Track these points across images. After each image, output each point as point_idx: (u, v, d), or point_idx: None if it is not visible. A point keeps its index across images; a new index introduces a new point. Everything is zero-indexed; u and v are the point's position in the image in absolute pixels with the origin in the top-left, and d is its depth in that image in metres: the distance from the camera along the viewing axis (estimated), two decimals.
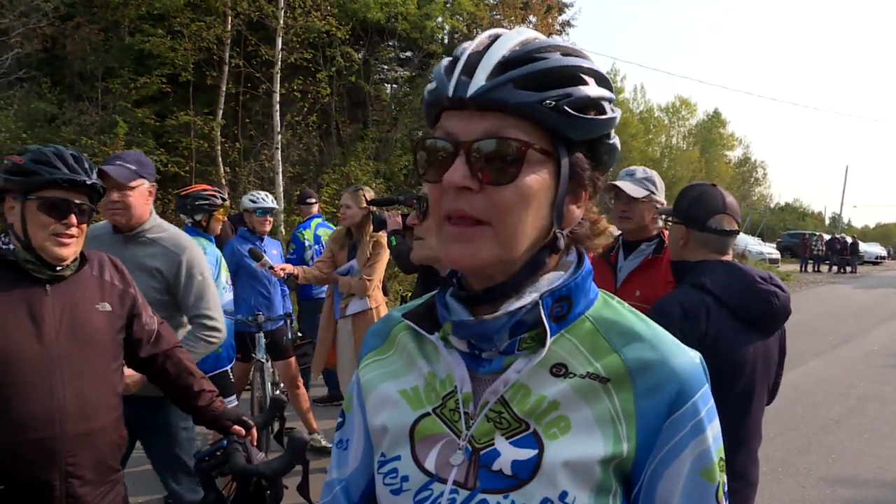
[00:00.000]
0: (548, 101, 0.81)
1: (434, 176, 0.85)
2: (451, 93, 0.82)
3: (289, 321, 5.05)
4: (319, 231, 6.78)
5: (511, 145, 0.81)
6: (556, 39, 0.88)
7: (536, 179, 0.83)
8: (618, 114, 0.89)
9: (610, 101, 0.88)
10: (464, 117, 0.83)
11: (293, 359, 5.22)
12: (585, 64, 0.86)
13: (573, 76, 0.84)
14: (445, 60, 0.88)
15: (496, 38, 0.86)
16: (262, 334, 4.91)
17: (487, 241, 0.83)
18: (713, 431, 0.87)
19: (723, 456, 0.89)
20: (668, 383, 0.84)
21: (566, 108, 0.82)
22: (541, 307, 0.86)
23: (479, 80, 0.81)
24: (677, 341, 0.90)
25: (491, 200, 0.82)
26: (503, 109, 0.81)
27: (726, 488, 0.89)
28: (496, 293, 0.88)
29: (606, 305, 0.93)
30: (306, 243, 6.58)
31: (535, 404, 0.86)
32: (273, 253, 5.24)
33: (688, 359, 0.87)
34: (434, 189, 0.86)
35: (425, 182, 0.88)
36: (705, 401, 0.86)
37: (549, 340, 0.86)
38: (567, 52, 0.86)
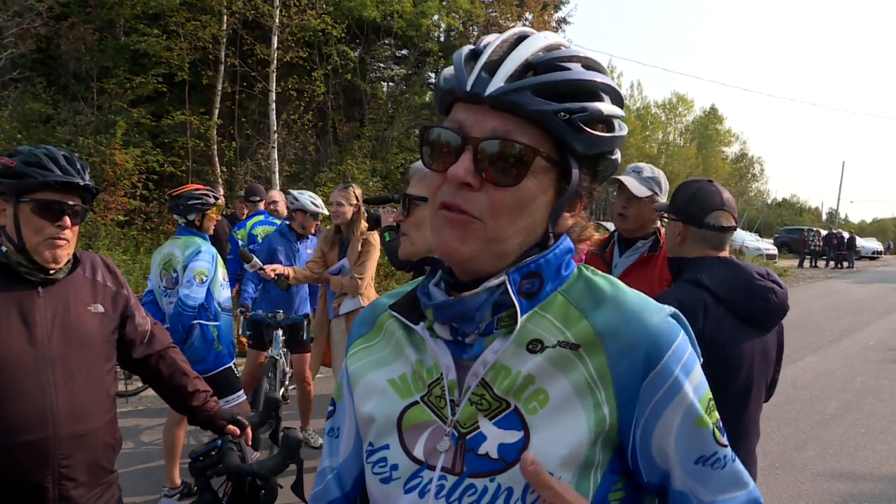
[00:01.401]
0: (562, 114, 0.82)
1: (439, 165, 0.87)
2: (469, 87, 0.83)
3: (306, 322, 5.11)
4: (257, 230, 6.77)
5: (519, 149, 0.82)
6: (580, 49, 0.88)
7: (537, 185, 0.85)
8: (625, 131, 0.90)
9: (621, 118, 0.89)
10: (476, 112, 0.84)
11: (308, 355, 5.31)
12: (604, 80, 0.87)
13: (591, 91, 0.86)
14: (466, 50, 0.88)
15: (523, 38, 0.87)
16: (279, 331, 5.00)
17: (475, 235, 0.84)
18: (692, 384, 0.86)
19: (710, 396, 0.89)
20: (639, 344, 0.84)
21: (579, 122, 0.84)
22: (508, 283, 0.87)
23: (499, 80, 0.82)
24: (646, 298, 0.90)
25: (489, 200, 0.83)
26: (517, 112, 0.83)
27: (720, 424, 0.90)
28: (482, 282, 0.89)
29: (579, 278, 0.94)
30: (240, 243, 6.54)
31: (511, 381, 0.86)
32: (308, 252, 5.30)
33: (657, 316, 0.87)
34: (436, 177, 0.87)
35: (430, 169, 0.89)
36: (681, 351, 0.86)
37: (520, 317, 0.87)
38: (589, 65, 0.87)
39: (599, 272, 0.96)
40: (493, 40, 0.87)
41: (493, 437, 0.85)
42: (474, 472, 0.85)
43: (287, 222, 5.43)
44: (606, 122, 0.87)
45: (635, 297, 0.89)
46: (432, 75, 19.91)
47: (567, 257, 0.94)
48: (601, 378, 0.84)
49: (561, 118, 0.82)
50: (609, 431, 0.84)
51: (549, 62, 0.84)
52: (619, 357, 0.84)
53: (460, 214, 0.84)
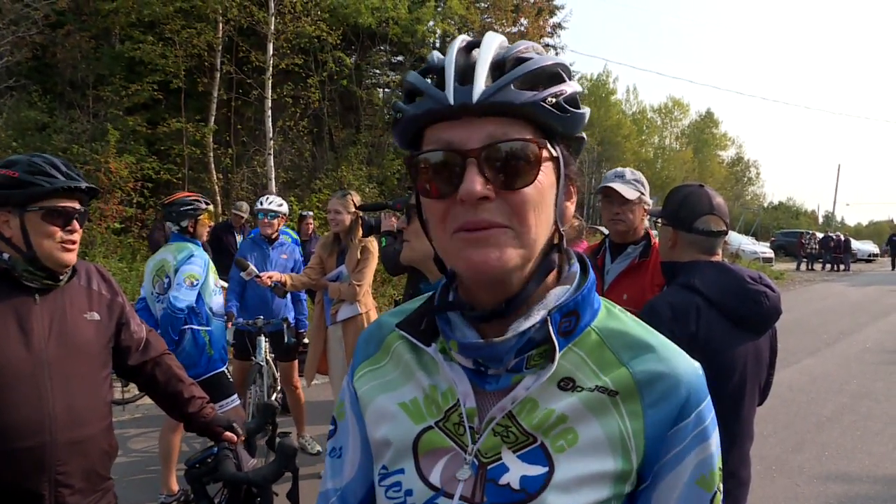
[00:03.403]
0: (549, 99, 0.81)
1: (440, 192, 0.82)
2: (452, 101, 0.79)
3: (286, 325, 5.08)
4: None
5: (528, 147, 0.80)
6: (523, 41, 0.87)
7: (546, 179, 0.83)
8: (588, 109, 0.89)
9: (581, 94, 0.89)
10: (461, 126, 0.80)
11: (296, 362, 5.36)
12: (559, 60, 0.86)
13: (557, 74, 0.84)
14: (416, 73, 0.86)
15: (473, 44, 0.85)
16: (262, 337, 5.01)
17: (512, 242, 0.81)
18: (715, 441, 0.87)
19: (721, 465, 0.89)
20: (675, 394, 0.84)
21: (564, 104, 0.83)
22: (549, 324, 0.85)
23: (480, 85, 0.79)
24: (682, 351, 0.90)
25: (509, 205, 0.80)
26: (505, 112, 0.80)
27: (722, 497, 0.89)
28: (512, 307, 0.86)
29: (610, 315, 0.93)
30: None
31: (543, 418, 0.85)
32: (282, 258, 5.33)
33: (693, 370, 0.88)
34: (438, 205, 0.83)
35: (429, 200, 0.84)
36: (708, 411, 0.87)
37: (557, 356, 0.85)
38: (539, 50, 0.86)
39: (626, 311, 0.95)
40: (445, 56, 0.84)
41: (516, 469, 0.84)
42: (495, 503, 0.84)
43: (258, 230, 5.50)
44: (576, 99, 0.86)
45: (673, 349, 0.89)
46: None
47: (594, 289, 0.93)
48: (634, 426, 0.84)
49: (549, 104, 0.81)
50: (633, 474, 0.84)
51: (514, 56, 0.82)
52: (654, 405, 0.84)
53: (488, 229, 0.80)
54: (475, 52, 0.83)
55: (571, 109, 0.84)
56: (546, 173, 0.83)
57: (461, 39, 0.87)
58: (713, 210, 2.23)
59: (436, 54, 0.87)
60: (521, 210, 0.80)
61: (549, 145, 0.83)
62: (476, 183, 0.77)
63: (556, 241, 0.89)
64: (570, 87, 0.84)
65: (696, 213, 2.23)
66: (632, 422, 0.84)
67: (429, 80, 0.84)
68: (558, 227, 0.88)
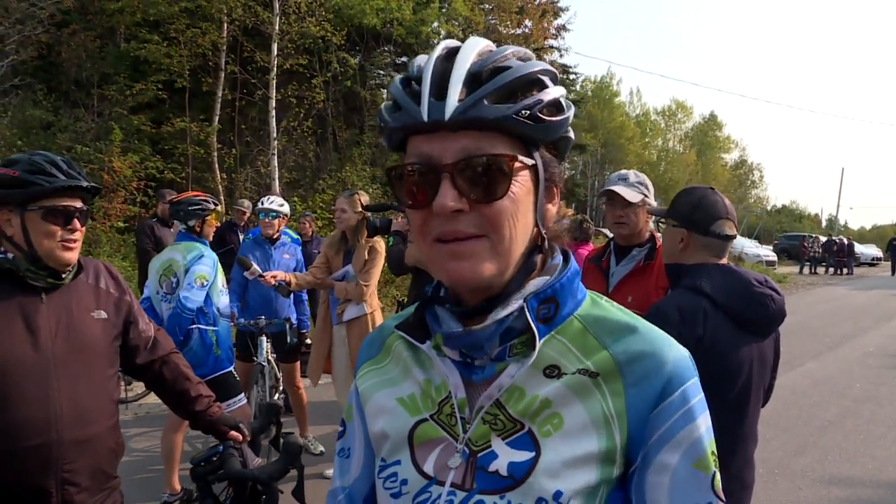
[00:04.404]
0: (523, 111, 0.82)
1: (418, 203, 0.85)
2: (425, 117, 0.81)
3: (288, 326, 5.08)
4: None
5: (499, 161, 0.82)
6: (509, 46, 0.88)
7: (522, 187, 0.85)
8: (573, 109, 0.91)
9: (565, 96, 0.89)
10: (438, 139, 0.82)
11: (298, 362, 5.38)
12: (541, 65, 0.87)
13: (536, 80, 0.86)
14: (398, 80, 0.88)
15: (453, 51, 0.86)
16: (263, 337, 5.02)
17: (486, 253, 0.83)
18: (705, 422, 0.87)
19: (714, 450, 0.89)
20: (657, 373, 0.85)
21: (539, 114, 0.84)
22: (526, 310, 0.88)
23: (453, 100, 0.80)
24: (665, 335, 0.91)
25: (484, 217, 0.82)
26: (479, 126, 0.81)
27: (720, 477, 0.89)
28: (493, 305, 0.88)
29: (595, 305, 0.94)
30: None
31: (528, 404, 0.87)
32: (285, 258, 5.34)
33: (676, 351, 0.88)
34: (417, 214, 0.86)
35: (408, 209, 0.87)
36: (695, 391, 0.87)
37: (538, 343, 0.87)
38: (521, 56, 0.87)
39: (614, 303, 0.97)
40: (424, 63, 0.86)
41: (505, 456, 0.86)
42: (484, 489, 0.86)
43: (258, 230, 5.50)
44: (557, 104, 0.87)
45: (657, 332, 0.90)
46: None
47: (577, 279, 0.94)
48: (616, 407, 0.85)
49: (522, 116, 0.82)
50: (618, 457, 0.85)
51: (491, 67, 0.83)
52: (635, 384, 0.85)
53: (465, 241, 0.83)
54: (455, 61, 0.84)
55: (548, 118, 0.85)
56: (521, 182, 0.84)
57: (443, 47, 0.88)
58: (727, 214, 2.24)
59: (417, 61, 0.88)
60: (496, 221, 0.83)
61: (521, 156, 0.84)
62: (448, 197, 0.80)
63: (539, 241, 0.91)
64: (548, 95, 0.85)
65: (713, 217, 2.23)
66: (614, 401, 0.85)
67: (409, 90, 0.86)
68: (540, 229, 0.90)
